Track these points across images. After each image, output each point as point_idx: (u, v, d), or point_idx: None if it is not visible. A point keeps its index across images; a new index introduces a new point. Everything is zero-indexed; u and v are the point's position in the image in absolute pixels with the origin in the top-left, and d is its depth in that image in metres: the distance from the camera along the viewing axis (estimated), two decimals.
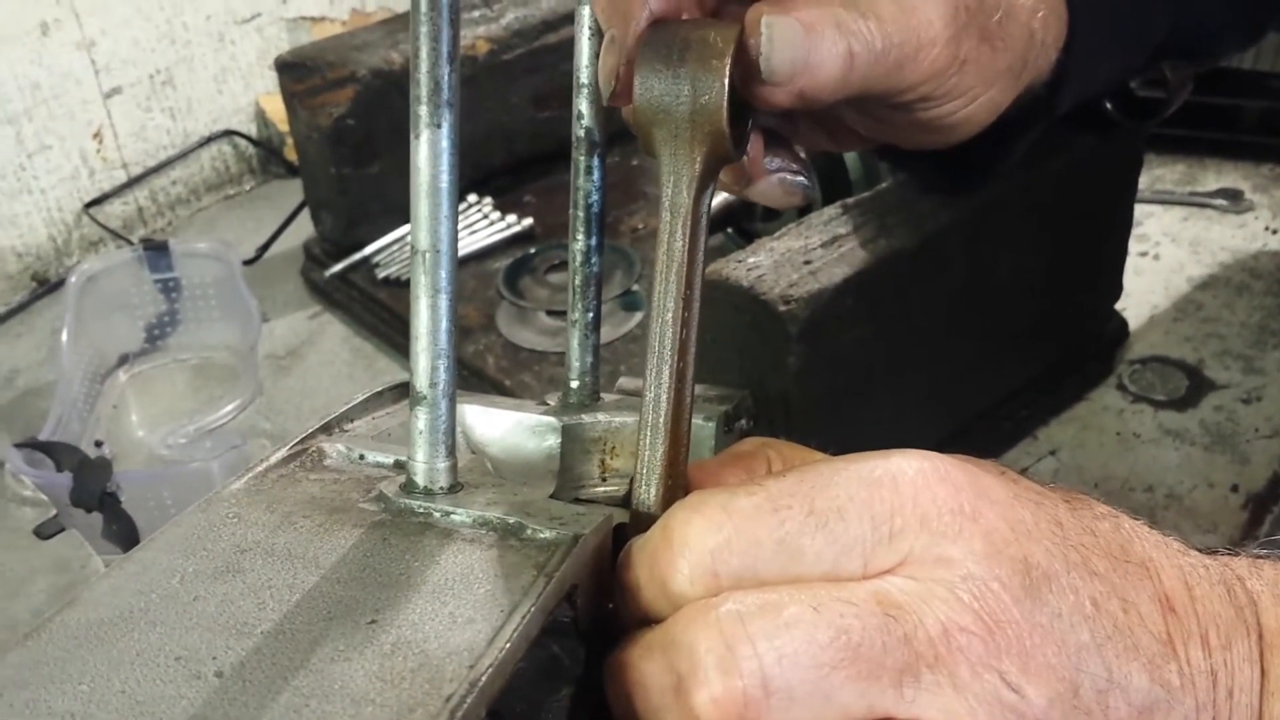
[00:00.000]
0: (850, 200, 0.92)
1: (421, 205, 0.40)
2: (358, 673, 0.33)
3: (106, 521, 1.02)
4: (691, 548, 0.36)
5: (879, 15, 0.50)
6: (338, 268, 1.48)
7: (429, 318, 0.41)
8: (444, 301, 0.41)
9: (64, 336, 1.35)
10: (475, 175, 1.56)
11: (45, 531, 0.94)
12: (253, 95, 1.84)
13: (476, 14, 1.54)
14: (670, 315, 0.44)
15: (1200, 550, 0.40)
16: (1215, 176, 1.60)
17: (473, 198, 1.54)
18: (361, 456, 0.47)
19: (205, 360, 1.45)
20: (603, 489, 0.52)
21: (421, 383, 0.41)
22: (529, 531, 0.39)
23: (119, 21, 1.65)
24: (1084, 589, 0.35)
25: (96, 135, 1.68)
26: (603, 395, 0.55)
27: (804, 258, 0.83)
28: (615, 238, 1.45)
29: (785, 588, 0.35)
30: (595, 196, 0.52)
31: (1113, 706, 0.34)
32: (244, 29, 1.80)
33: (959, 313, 0.97)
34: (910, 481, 0.36)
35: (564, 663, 0.40)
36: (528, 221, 1.50)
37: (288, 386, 1.39)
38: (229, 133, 1.82)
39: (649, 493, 0.43)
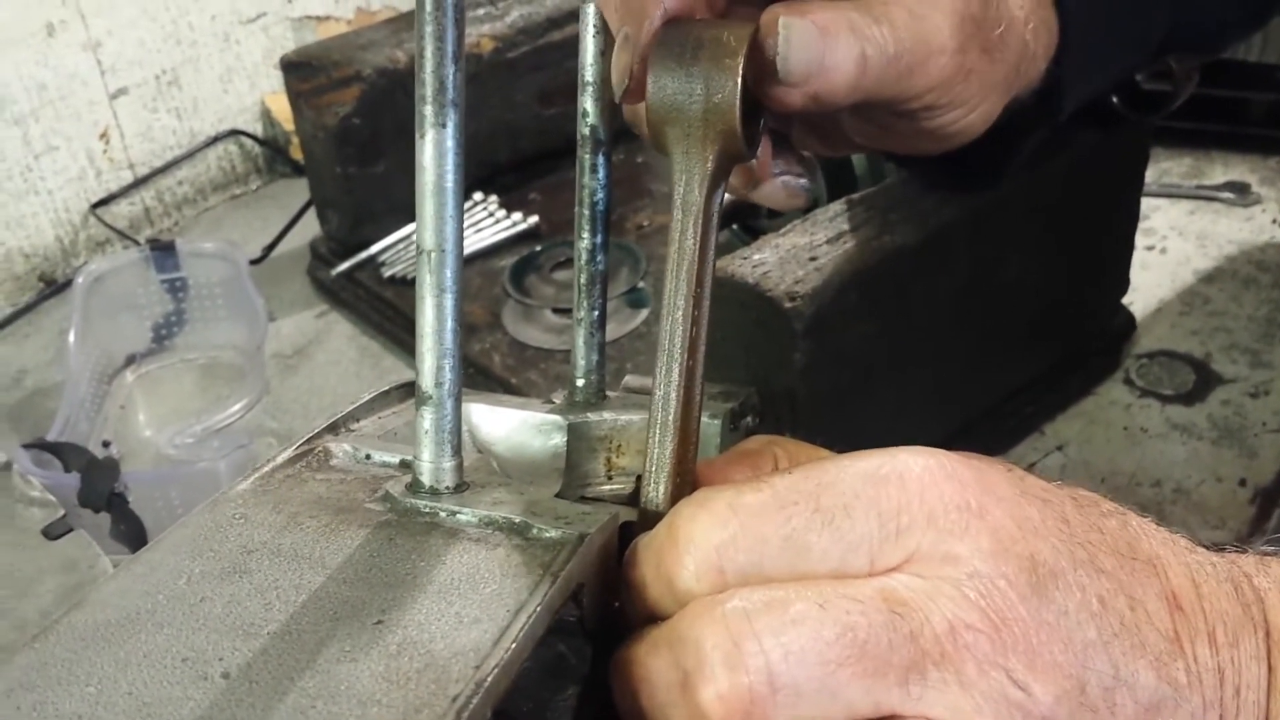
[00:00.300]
0: (855, 196, 0.92)
1: (427, 204, 0.40)
2: (364, 673, 0.33)
3: (114, 522, 1.02)
4: (697, 544, 0.36)
5: (892, 21, 0.50)
6: (344, 267, 1.48)
7: (434, 317, 0.41)
8: (449, 301, 0.41)
9: (71, 337, 1.35)
10: (480, 173, 1.56)
11: (53, 532, 0.94)
12: (258, 95, 1.85)
13: (481, 11, 1.54)
14: (680, 313, 0.44)
15: (1208, 547, 0.40)
16: (1222, 170, 1.59)
17: (478, 195, 1.54)
18: (368, 456, 0.47)
19: (212, 360, 1.45)
20: (609, 487, 0.52)
21: (427, 382, 0.41)
22: (535, 531, 0.39)
23: (125, 22, 1.65)
24: (1091, 586, 0.35)
25: (103, 136, 1.68)
26: (609, 393, 0.55)
27: (809, 254, 0.83)
28: (621, 235, 1.45)
29: (791, 584, 0.35)
30: (600, 194, 0.52)
31: (1119, 704, 0.34)
32: (249, 29, 1.80)
33: (964, 308, 0.97)
34: (917, 479, 0.36)
35: (570, 662, 0.40)
36: (533, 219, 1.50)
37: (294, 386, 1.39)
38: (235, 132, 1.82)
39: (658, 490, 0.43)
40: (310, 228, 1.59)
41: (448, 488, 0.42)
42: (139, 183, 1.73)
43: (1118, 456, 1.14)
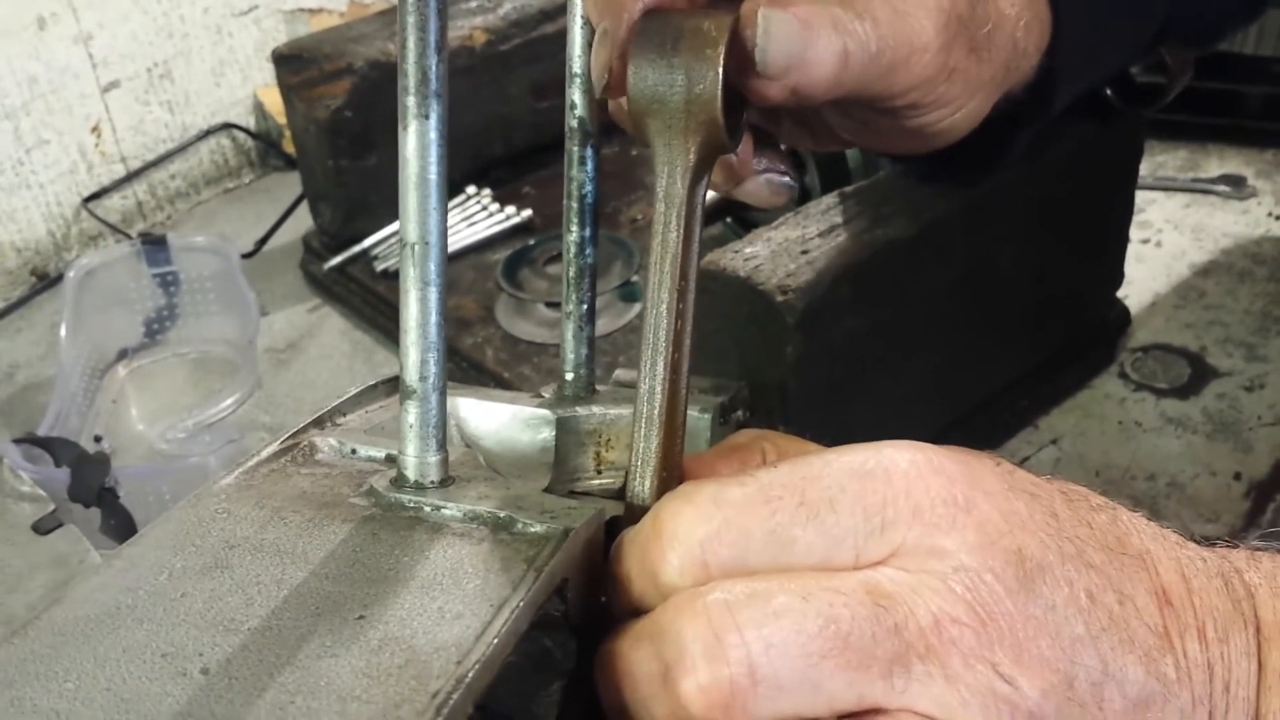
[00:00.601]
0: (848, 189, 0.91)
1: (410, 197, 0.40)
2: (344, 669, 0.32)
3: (105, 517, 1.02)
4: (681, 539, 0.36)
5: (875, 17, 0.50)
6: (336, 260, 1.47)
7: (418, 311, 0.40)
8: (433, 294, 0.40)
9: (62, 331, 1.35)
10: (474, 166, 1.55)
11: (43, 527, 0.94)
12: (251, 88, 1.84)
13: (474, 4, 1.54)
14: (665, 306, 0.43)
15: (1199, 542, 0.39)
16: (1218, 162, 1.59)
17: (471, 189, 1.53)
18: (353, 451, 0.46)
19: (204, 354, 1.44)
20: (598, 482, 0.52)
21: (411, 376, 0.41)
22: (520, 525, 0.39)
23: (116, 15, 1.64)
24: (1079, 581, 0.35)
25: (95, 129, 1.68)
26: (598, 387, 0.54)
27: (801, 247, 0.83)
28: (614, 228, 1.44)
29: (775, 577, 0.35)
30: (589, 187, 0.52)
31: (1108, 699, 0.34)
32: (242, 21, 1.79)
33: (958, 302, 0.97)
34: (903, 473, 0.36)
35: (556, 656, 0.40)
36: (527, 213, 1.49)
37: (287, 380, 1.39)
38: (228, 126, 1.81)
39: (643, 485, 0.43)
40: (303, 221, 1.58)
41: (433, 482, 0.42)
42: (131, 176, 1.72)
43: (1112, 450, 1.14)
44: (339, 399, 0.51)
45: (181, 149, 1.77)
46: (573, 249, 0.53)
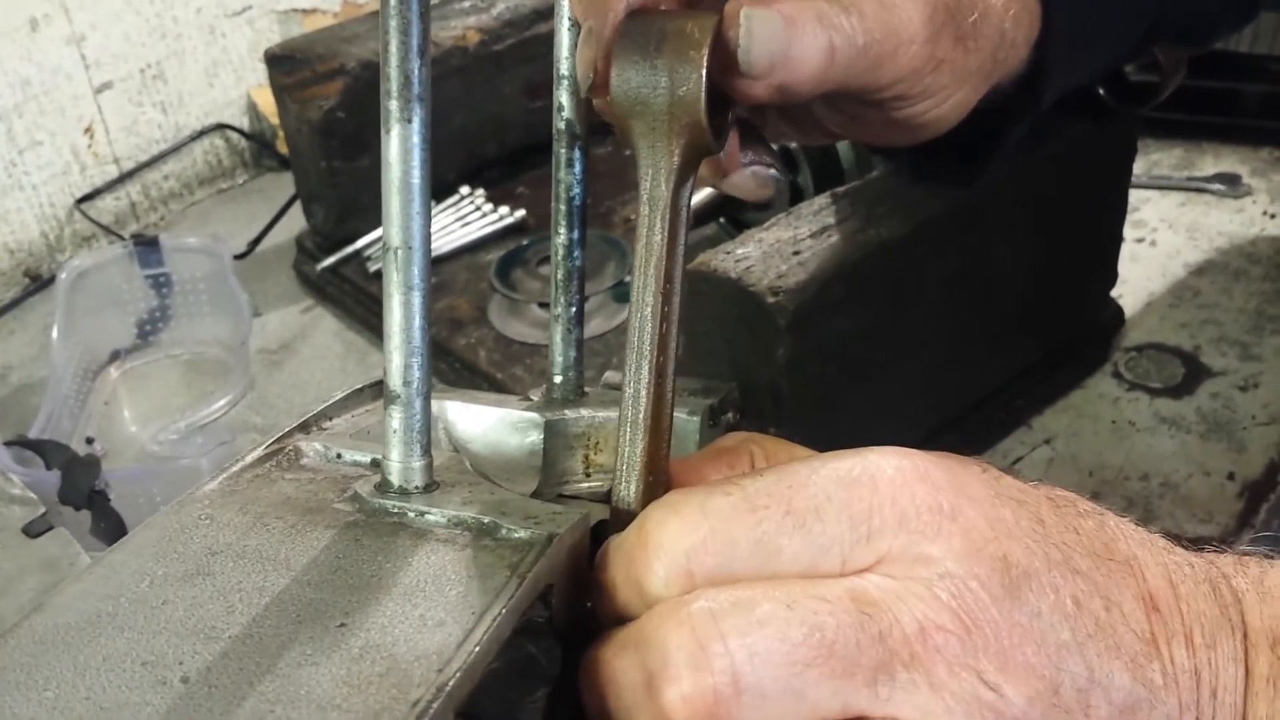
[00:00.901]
0: (840, 189, 0.91)
1: (393, 201, 0.39)
2: (325, 677, 0.32)
3: (95, 519, 1.02)
4: (666, 549, 0.36)
5: (861, 10, 0.49)
6: (330, 261, 1.47)
7: (402, 315, 0.40)
8: (417, 299, 0.40)
9: (54, 333, 1.34)
10: (467, 167, 1.55)
11: (33, 530, 0.94)
12: (244, 88, 1.84)
13: (467, 4, 1.53)
14: (649, 309, 0.43)
15: (1186, 546, 0.39)
16: (1213, 161, 1.59)
17: (465, 189, 1.53)
18: (339, 455, 0.46)
19: (197, 355, 1.44)
20: (587, 485, 0.52)
21: (395, 381, 0.41)
22: (504, 531, 0.39)
23: (109, 16, 1.64)
24: (1065, 587, 0.35)
25: (88, 130, 1.67)
26: (587, 390, 0.54)
27: (793, 248, 0.83)
28: (609, 228, 1.44)
29: (759, 585, 0.35)
30: (577, 189, 0.52)
31: (1094, 706, 0.34)
32: (235, 22, 1.79)
33: (951, 302, 0.97)
34: (889, 480, 0.35)
35: (540, 663, 0.40)
36: (520, 213, 1.49)
37: (280, 381, 1.39)
38: (221, 126, 1.81)
39: (629, 490, 0.42)
40: (296, 222, 1.58)
41: (417, 487, 0.41)
42: (124, 177, 1.72)
43: (1105, 450, 1.14)
44: (324, 402, 0.50)
45: (175, 150, 1.76)
46: (561, 251, 0.52)
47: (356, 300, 1.45)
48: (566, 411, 0.52)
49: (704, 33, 0.44)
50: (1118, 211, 1.15)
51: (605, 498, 0.47)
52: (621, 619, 0.38)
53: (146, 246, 1.42)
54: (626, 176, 1.54)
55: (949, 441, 1.05)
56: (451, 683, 0.32)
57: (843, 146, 1.18)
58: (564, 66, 0.50)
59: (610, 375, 0.57)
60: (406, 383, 0.40)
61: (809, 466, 0.37)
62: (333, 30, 1.51)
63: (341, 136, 1.41)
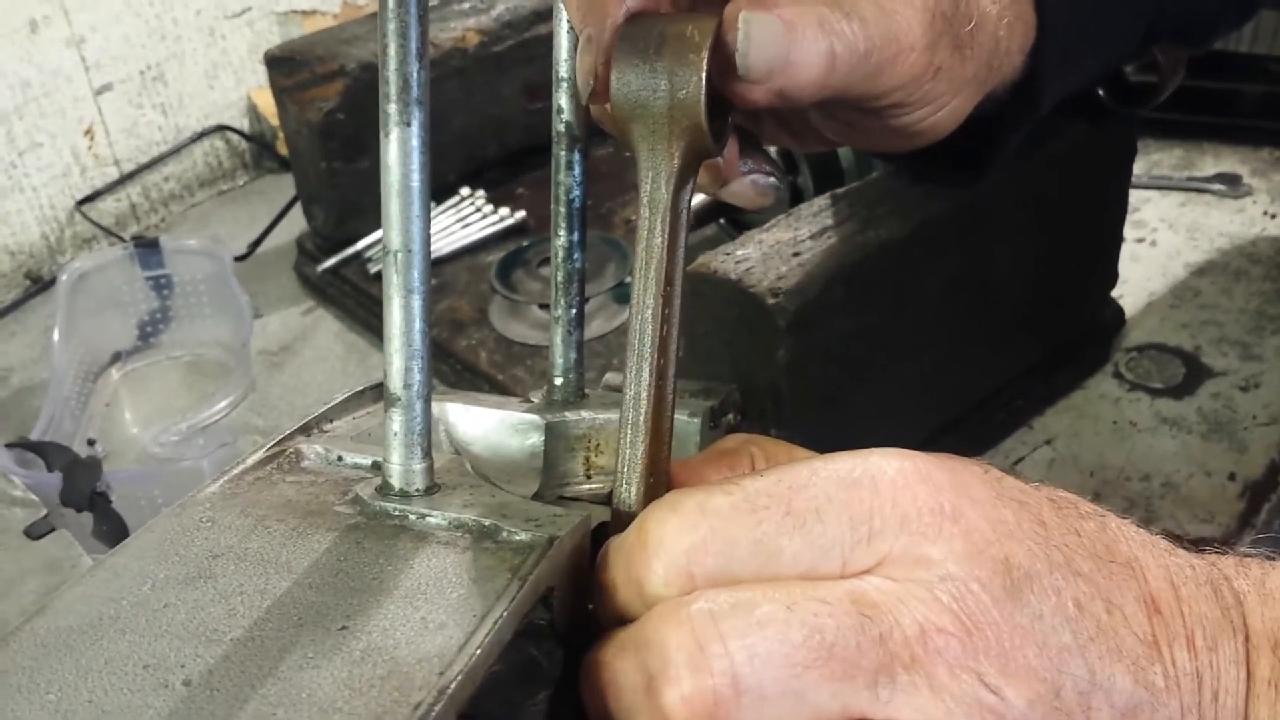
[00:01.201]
0: (840, 191, 0.91)
1: (393, 205, 0.39)
2: (326, 680, 0.32)
3: (96, 521, 1.02)
4: (666, 549, 0.36)
5: (862, 16, 0.49)
6: (330, 263, 1.47)
7: (402, 318, 0.40)
8: (417, 302, 0.40)
9: (55, 335, 1.34)
10: (468, 168, 1.55)
11: (35, 532, 0.94)
12: (244, 90, 1.84)
13: (467, 5, 1.53)
14: (650, 312, 0.43)
15: (1188, 548, 0.39)
16: (1213, 161, 1.59)
17: (465, 190, 1.53)
18: (339, 458, 0.46)
19: (198, 357, 1.44)
20: (588, 487, 0.52)
21: (395, 384, 0.41)
22: (505, 534, 0.39)
23: (109, 18, 1.64)
24: (1067, 590, 0.35)
25: (88, 132, 1.67)
26: (588, 391, 0.54)
27: (793, 250, 0.83)
28: (610, 229, 1.44)
29: (759, 586, 0.35)
30: (576, 191, 0.52)
31: (1095, 708, 0.34)
32: (235, 23, 1.79)
33: (952, 302, 0.97)
34: (890, 482, 0.35)
35: (542, 665, 0.40)
36: (520, 214, 1.49)
37: (280, 383, 1.39)
38: (221, 128, 1.81)
39: (630, 491, 0.42)
40: (297, 223, 1.58)
41: (418, 490, 0.41)
42: (125, 179, 1.72)
43: (1107, 451, 1.14)
44: (325, 405, 0.50)
45: (175, 151, 1.76)
46: (561, 254, 0.52)
47: (357, 302, 1.45)
48: (567, 413, 0.52)
49: (704, 35, 0.44)
50: (1118, 212, 1.15)
51: (606, 500, 0.47)
52: (622, 620, 0.38)
53: (147, 248, 1.43)
54: (627, 178, 1.54)
55: (950, 442, 1.05)
56: (453, 685, 0.32)
57: (842, 148, 1.18)
58: (563, 69, 0.50)
59: (611, 377, 0.57)
60: (407, 385, 0.40)
61: (809, 467, 0.37)
62: (332, 32, 1.51)
63: (341, 138, 1.41)
